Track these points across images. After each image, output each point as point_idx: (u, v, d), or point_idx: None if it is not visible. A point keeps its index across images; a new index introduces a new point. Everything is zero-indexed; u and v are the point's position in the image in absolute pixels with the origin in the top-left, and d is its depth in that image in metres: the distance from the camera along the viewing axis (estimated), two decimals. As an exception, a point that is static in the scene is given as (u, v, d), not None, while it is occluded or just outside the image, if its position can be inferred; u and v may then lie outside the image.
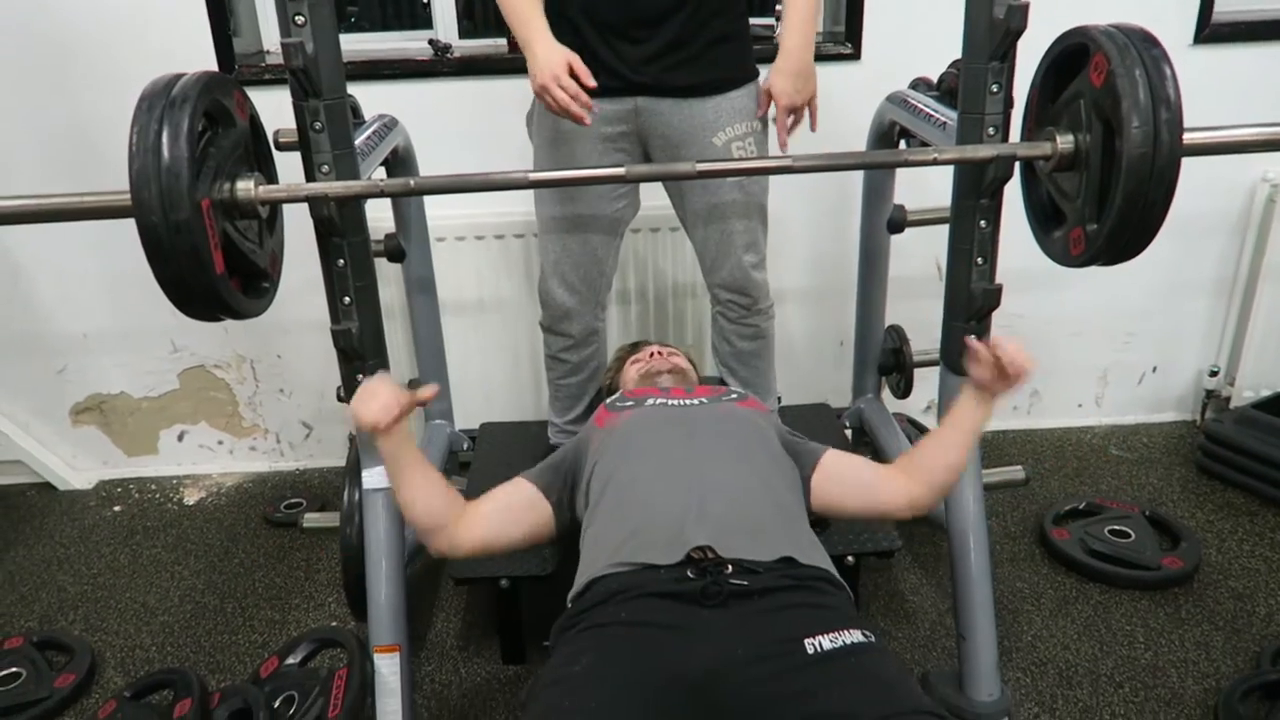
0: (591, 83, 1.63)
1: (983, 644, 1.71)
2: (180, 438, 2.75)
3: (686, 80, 1.74)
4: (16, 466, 2.70)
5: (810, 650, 1.11)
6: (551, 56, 1.63)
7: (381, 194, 1.47)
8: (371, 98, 2.03)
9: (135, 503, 2.64)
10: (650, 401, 1.59)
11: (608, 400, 1.66)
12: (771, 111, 1.86)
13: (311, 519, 2.01)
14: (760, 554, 1.25)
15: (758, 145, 1.85)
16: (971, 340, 1.50)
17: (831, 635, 1.13)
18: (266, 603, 2.18)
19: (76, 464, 2.75)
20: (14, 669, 1.94)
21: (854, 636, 1.14)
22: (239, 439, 2.76)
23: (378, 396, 1.43)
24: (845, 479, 1.53)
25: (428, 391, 1.52)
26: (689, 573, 1.21)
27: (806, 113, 1.85)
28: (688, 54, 1.73)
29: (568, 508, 1.53)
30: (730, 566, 1.22)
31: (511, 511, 1.53)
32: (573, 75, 1.62)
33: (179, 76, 1.33)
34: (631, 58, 1.73)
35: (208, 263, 1.30)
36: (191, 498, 2.65)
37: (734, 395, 1.65)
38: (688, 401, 1.59)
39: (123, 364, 2.64)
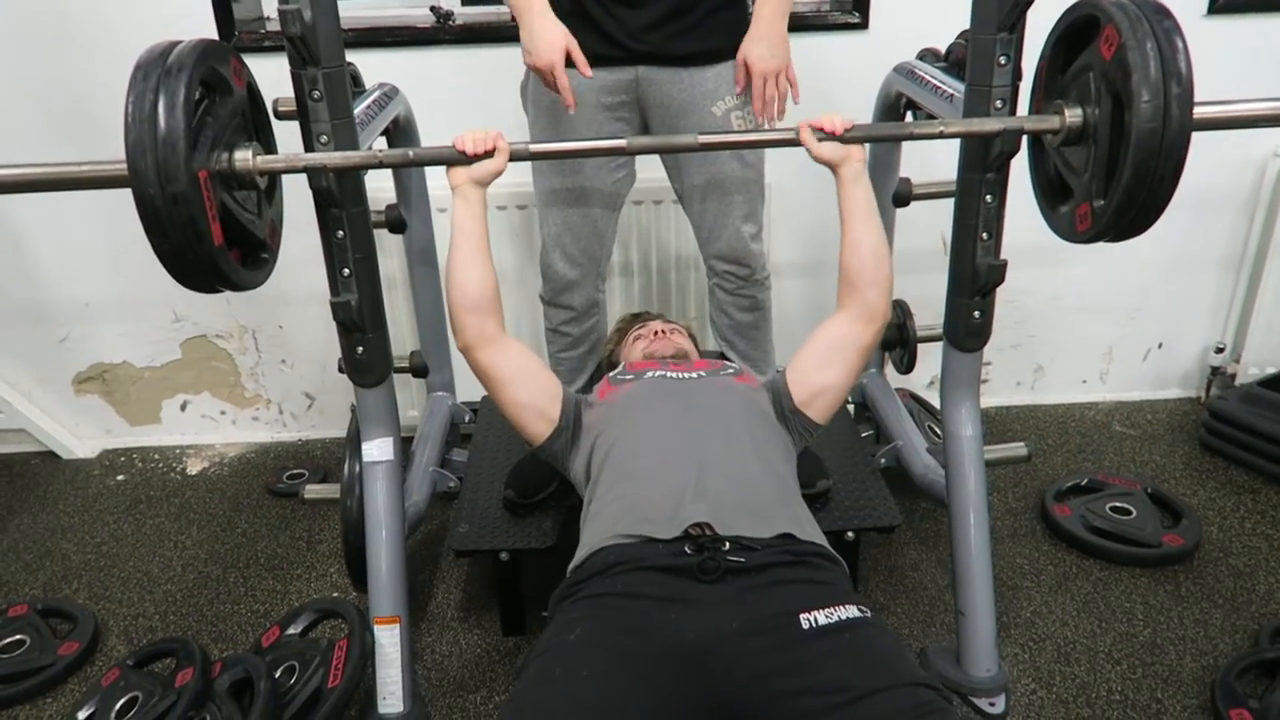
0: (588, 72, 1.62)
1: (981, 620, 1.71)
2: (183, 407, 2.75)
3: (687, 48, 1.71)
4: (20, 435, 2.71)
5: (805, 625, 1.12)
6: (550, 38, 1.62)
7: (380, 165, 1.46)
8: (372, 65, 2.00)
9: (138, 472, 2.65)
10: (650, 374, 1.59)
11: (610, 374, 1.65)
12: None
13: (313, 490, 2.02)
14: (758, 530, 1.25)
15: (744, 120, 1.81)
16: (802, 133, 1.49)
17: (827, 610, 1.13)
18: (268, 572, 2.19)
19: (80, 433, 2.76)
20: (18, 636, 1.96)
21: (849, 612, 1.14)
22: (241, 409, 2.76)
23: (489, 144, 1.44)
24: (808, 359, 1.56)
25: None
26: (686, 548, 1.22)
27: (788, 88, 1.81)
28: (689, 21, 1.70)
29: (568, 435, 1.53)
30: (728, 543, 1.22)
31: (535, 375, 1.55)
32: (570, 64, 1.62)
33: (175, 44, 1.32)
34: (632, 24, 1.70)
35: (205, 234, 1.30)
36: (194, 468, 2.66)
37: (731, 370, 1.65)
38: (687, 375, 1.59)
39: (125, 333, 2.64)
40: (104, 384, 2.71)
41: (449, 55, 2.36)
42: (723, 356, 2.04)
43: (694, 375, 1.59)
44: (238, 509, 2.45)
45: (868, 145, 1.70)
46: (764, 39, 1.72)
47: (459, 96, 2.34)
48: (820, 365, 1.54)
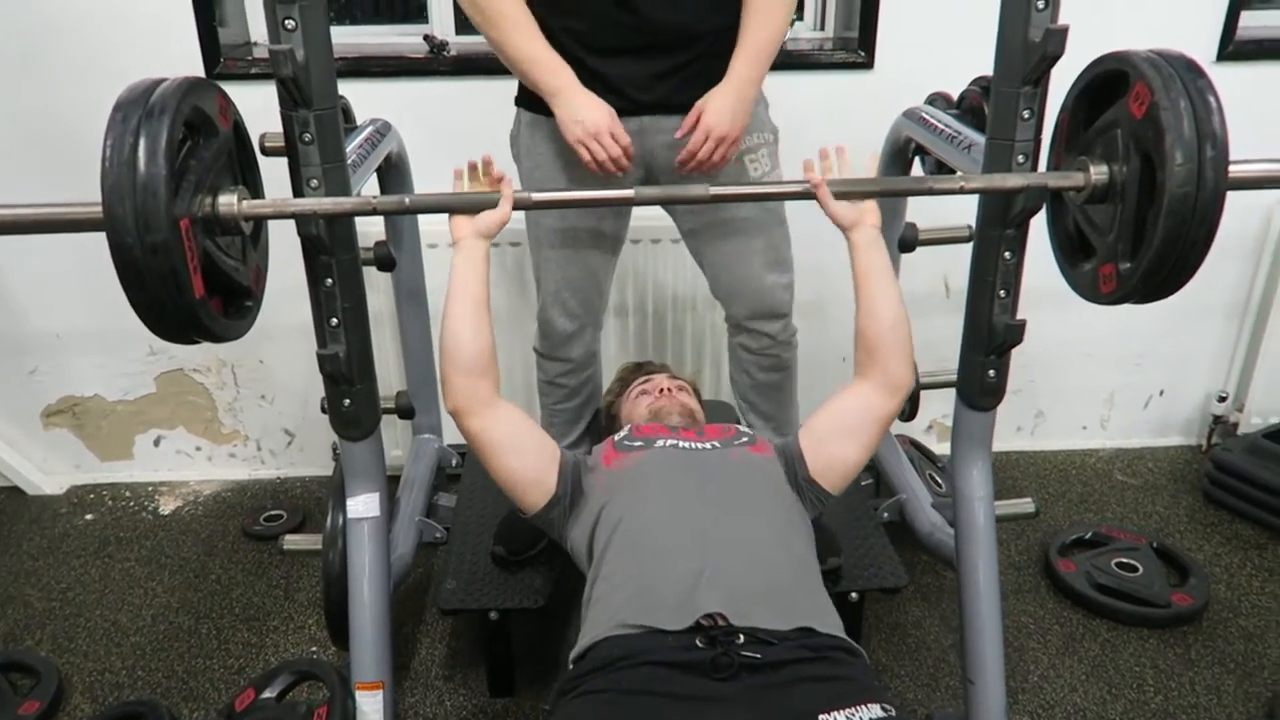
0: (625, 164, 1.56)
1: (992, 690, 1.63)
2: (156, 443, 2.65)
3: (694, 95, 1.62)
4: (-16, 470, 2.60)
5: None
6: (596, 114, 1.55)
7: (375, 212, 1.38)
8: (362, 96, 1.93)
9: (108, 510, 2.54)
10: (660, 443, 1.50)
11: (616, 438, 1.56)
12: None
13: (292, 541, 1.92)
14: (776, 623, 1.17)
15: (769, 157, 1.75)
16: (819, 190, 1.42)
17: (848, 711, 1.05)
18: (243, 624, 2.09)
19: (47, 468, 2.65)
20: (-25, 694, 1.85)
21: (872, 712, 1.06)
22: (218, 445, 2.66)
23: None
24: (824, 428, 1.48)
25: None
26: (698, 641, 1.14)
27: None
28: (696, 69, 1.62)
29: (566, 504, 1.44)
30: (742, 636, 1.14)
31: (530, 441, 1.46)
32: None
33: (158, 82, 1.24)
34: (639, 75, 1.61)
35: (186, 286, 1.21)
36: (167, 506, 2.55)
37: (745, 439, 1.55)
38: (700, 445, 1.50)
39: (97, 365, 2.54)
40: (74, 417, 2.60)
41: (443, 86, 2.29)
42: (737, 421, 1.94)
43: (708, 446, 1.50)
44: (212, 553, 2.34)
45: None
46: (731, 99, 1.59)
47: (453, 129, 2.24)
48: (837, 436, 1.46)
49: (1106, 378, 2.69)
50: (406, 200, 1.39)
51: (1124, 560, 2.16)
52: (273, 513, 2.47)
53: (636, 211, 1.89)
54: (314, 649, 2.01)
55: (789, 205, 1.85)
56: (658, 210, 1.89)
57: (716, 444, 1.50)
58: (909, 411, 2.28)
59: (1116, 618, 2.04)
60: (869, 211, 1.43)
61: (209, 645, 2.03)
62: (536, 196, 1.41)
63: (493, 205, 1.37)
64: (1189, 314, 2.59)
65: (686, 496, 1.36)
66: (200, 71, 2.19)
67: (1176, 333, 2.62)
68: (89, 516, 2.52)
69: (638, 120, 1.64)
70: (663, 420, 1.64)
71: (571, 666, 1.21)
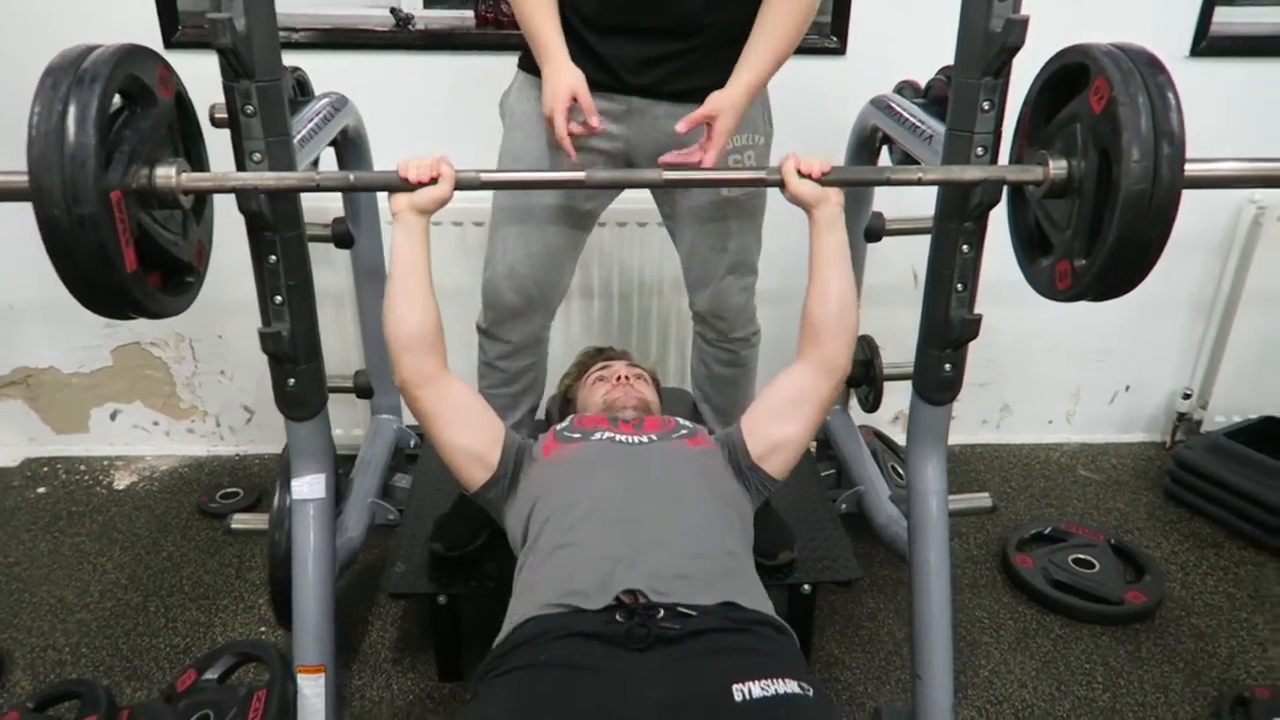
0: (595, 124, 1.47)
1: (939, 685, 1.62)
2: (113, 416, 2.61)
3: (686, 84, 1.57)
4: (-65, 440, 2.55)
5: (738, 698, 1.03)
6: (552, 85, 1.48)
7: (318, 188, 1.35)
8: (325, 69, 1.89)
9: (61, 484, 2.50)
10: (597, 435, 1.49)
11: (557, 427, 1.54)
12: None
13: (241, 520, 1.89)
14: (698, 598, 1.16)
15: (758, 159, 1.67)
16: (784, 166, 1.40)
17: (763, 683, 1.04)
18: (192, 602, 2.06)
19: (1, 439, 2.60)
20: (-88, 668, 1.82)
21: (789, 686, 1.05)
22: (176, 420, 2.62)
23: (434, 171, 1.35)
24: (765, 411, 1.47)
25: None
26: (617, 616, 1.13)
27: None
28: (691, 59, 1.56)
29: (505, 484, 1.43)
30: (661, 610, 1.13)
31: (475, 417, 1.45)
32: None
33: (92, 49, 1.20)
34: (630, 57, 1.55)
35: (116, 261, 1.18)
36: (122, 481, 2.51)
37: (684, 431, 1.53)
38: (635, 439, 1.48)
39: (52, 337, 2.49)
40: (28, 389, 2.55)
41: (408, 61, 2.25)
42: (694, 409, 1.91)
43: (643, 440, 1.47)
44: (165, 530, 2.31)
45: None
46: (740, 105, 1.52)
47: (418, 105, 2.23)
48: (778, 418, 1.45)
49: (1073, 372, 2.69)
50: (351, 177, 1.36)
51: (1081, 556, 2.16)
52: (229, 490, 2.44)
53: (624, 194, 1.84)
54: (263, 629, 1.99)
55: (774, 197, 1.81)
56: (633, 192, 1.84)
57: (653, 437, 1.49)
58: (872, 402, 2.28)
59: (1070, 614, 2.04)
60: (832, 191, 1.41)
61: (156, 624, 2.00)
62: (485, 176, 1.38)
63: (434, 184, 1.34)
64: (1156, 309, 2.59)
65: (614, 492, 1.35)
66: (157, 39, 2.13)
67: (1143, 328, 2.61)
68: (41, 490, 2.48)
69: (626, 100, 1.60)
70: (615, 412, 1.61)
71: (492, 651, 1.20)
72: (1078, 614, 2.04)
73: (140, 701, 1.67)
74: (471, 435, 1.43)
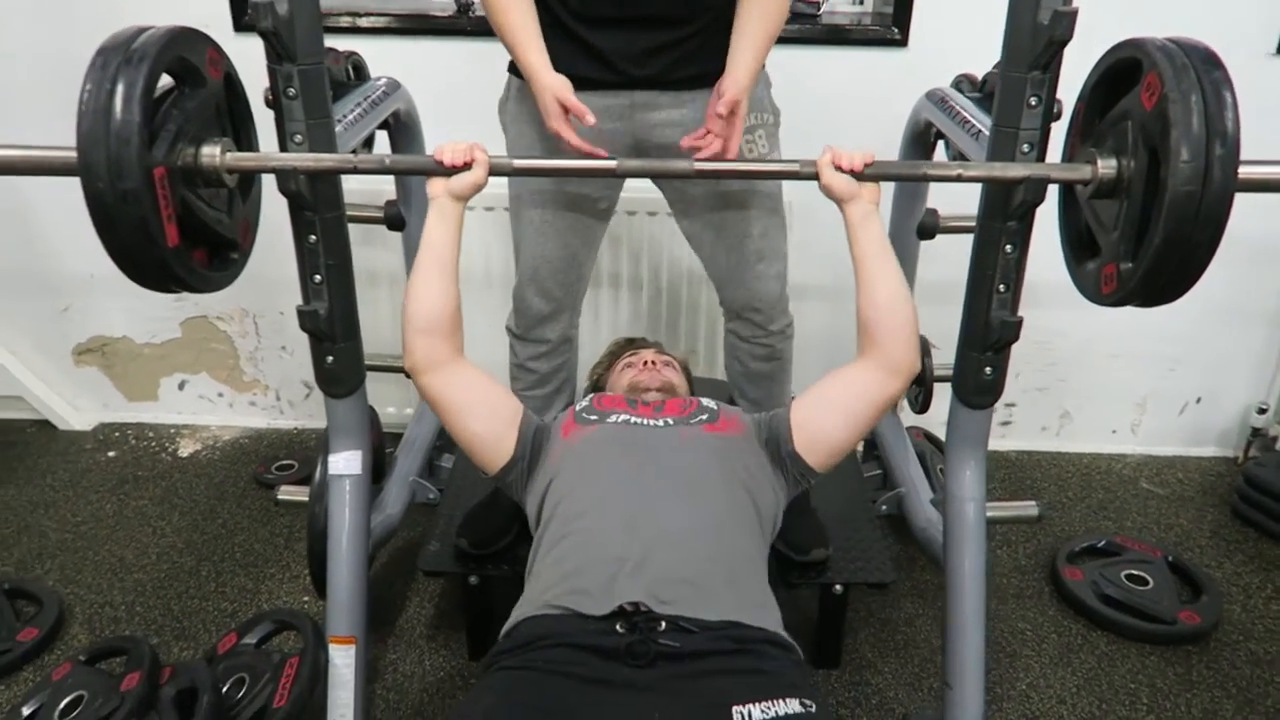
0: (589, 120, 1.47)
1: (969, 695, 1.59)
2: (181, 386, 2.71)
3: (691, 71, 1.56)
4: (18, 403, 2.69)
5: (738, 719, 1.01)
6: (545, 100, 1.48)
7: (355, 170, 1.37)
8: (386, 54, 1.94)
9: (130, 450, 2.61)
10: (613, 418, 1.48)
11: (577, 407, 1.54)
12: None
13: (286, 492, 1.94)
14: (701, 611, 1.15)
15: (768, 138, 1.66)
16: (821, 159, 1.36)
17: (765, 704, 1.02)
18: (242, 569, 2.14)
19: (78, 404, 2.73)
20: (-19, 617, 1.93)
21: (790, 707, 1.03)
22: (239, 392, 2.72)
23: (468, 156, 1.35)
24: (818, 402, 1.43)
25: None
26: (618, 626, 1.12)
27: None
28: (693, 45, 1.54)
29: (524, 466, 1.43)
30: (664, 624, 1.12)
31: (489, 403, 1.44)
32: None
33: (143, 30, 1.24)
34: (630, 49, 1.54)
35: (157, 235, 1.22)
36: (186, 449, 2.61)
37: (704, 416, 1.50)
38: (652, 422, 1.46)
39: (126, 308, 2.60)
40: (103, 357, 2.67)
41: (467, 47, 2.27)
42: (731, 400, 1.90)
43: (660, 423, 1.46)
44: (222, 497, 2.40)
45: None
46: (750, 88, 1.50)
47: (475, 89, 2.22)
48: (829, 412, 1.41)
49: (1140, 381, 2.58)
50: (387, 160, 1.39)
51: (1135, 572, 2.08)
52: (284, 462, 2.52)
53: (643, 184, 1.84)
54: (306, 599, 2.05)
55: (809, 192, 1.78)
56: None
57: (670, 421, 1.47)
58: (922, 403, 2.23)
59: (1118, 631, 1.97)
60: (866, 186, 1.37)
61: (206, 587, 2.08)
62: (518, 162, 1.39)
63: (469, 169, 1.35)
64: (1232, 318, 2.48)
65: (625, 479, 1.34)
66: (227, 22, 2.20)
67: (1218, 338, 2.50)
68: (111, 454, 2.59)
69: (629, 95, 1.58)
70: (638, 394, 1.61)
71: (500, 639, 1.21)
72: (1126, 631, 1.96)
73: (182, 661, 1.74)
74: (485, 424, 1.42)
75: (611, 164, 1.36)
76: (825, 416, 1.42)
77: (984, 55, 1.79)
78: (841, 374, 1.44)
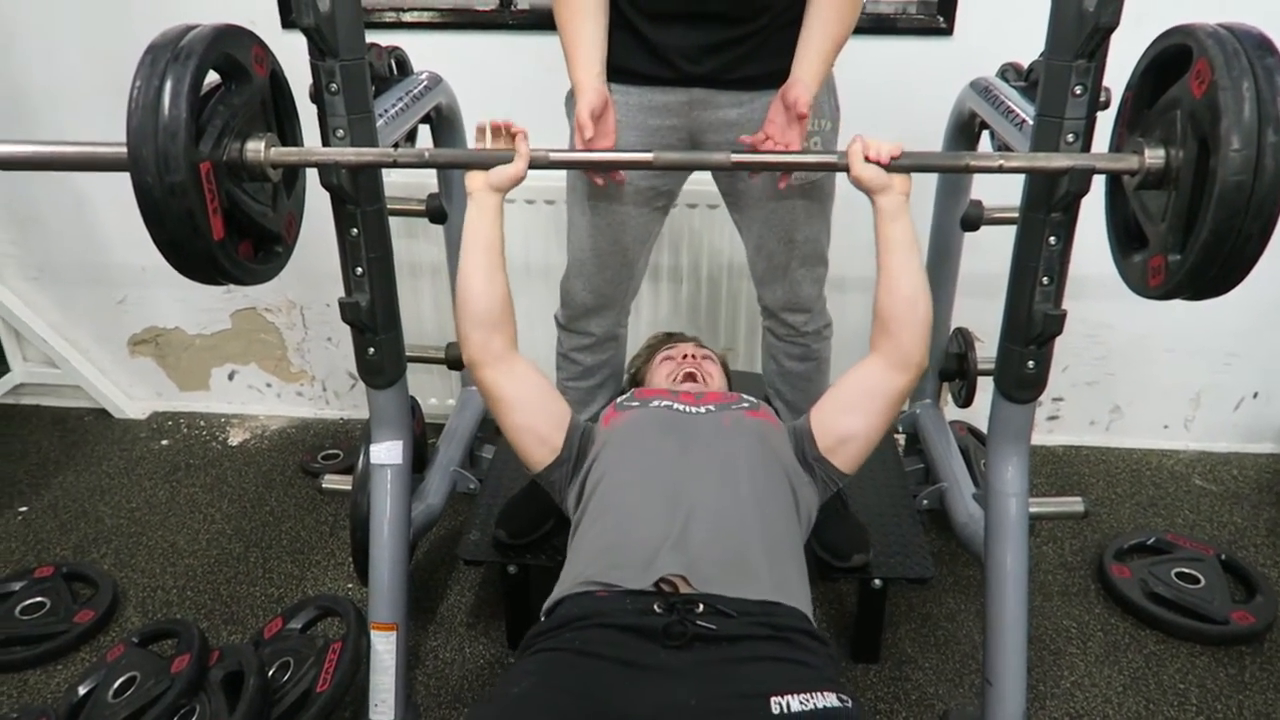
0: (588, 134, 1.47)
1: (1010, 692, 1.57)
2: (231, 376, 2.77)
3: (750, 71, 1.53)
4: (76, 391, 2.77)
5: (776, 710, 1.01)
6: (579, 100, 1.49)
7: (395, 164, 1.39)
8: (429, 49, 1.95)
9: (183, 438, 2.68)
10: (655, 403, 1.49)
11: (619, 399, 1.56)
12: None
13: (331, 481, 1.97)
14: (739, 590, 1.15)
15: (825, 145, 1.62)
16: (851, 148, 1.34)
17: (803, 696, 1.02)
18: (289, 556, 2.18)
19: (132, 393, 2.81)
20: (40, 598, 1.99)
21: (828, 700, 1.03)
22: (287, 383, 2.77)
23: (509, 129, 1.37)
24: (834, 403, 1.44)
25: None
26: (655, 606, 1.13)
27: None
28: (753, 44, 1.52)
29: (569, 467, 1.43)
30: (701, 605, 1.12)
31: (541, 398, 1.45)
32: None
33: (191, 28, 1.27)
34: (689, 45, 1.52)
35: (203, 228, 1.25)
36: (236, 438, 2.67)
37: (746, 403, 1.51)
38: (693, 409, 1.47)
39: (178, 299, 2.66)
40: (157, 347, 2.74)
41: (509, 40, 2.29)
42: (768, 399, 1.89)
43: (701, 410, 1.47)
44: (270, 486, 2.45)
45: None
46: (815, 93, 1.49)
47: (516, 83, 2.26)
48: (846, 411, 1.42)
49: (1194, 376, 2.52)
50: (426, 154, 1.39)
51: (1185, 570, 2.03)
52: (330, 452, 2.56)
53: (698, 174, 1.82)
54: (349, 586, 2.08)
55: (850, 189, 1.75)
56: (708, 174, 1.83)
57: (711, 408, 1.48)
58: (965, 397, 2.20)
59: (1167, 630, 1.93)
60: (898, 178, 1.36)
61: (254, 573, 2.13)
62: (555, 155, 1.39)
63: (509, 162, 1.36)
64: (1292, 313, 2.40)
65: (666, 459, 1.35)
66: (275, 19, 2.24)
67: (1276, 331, 2.42)
68: (165, 442, 2.66)
69: (687, 92, 1.57)
70: (679, 386, 1.62)
71: (543, 618, 1.22)
72: (1175, 631, 1.92)
73: (230, 645, 1.78)
74: (536, 417, 1.43)
75: (648, 156, 1.36)
76: (843, 417, 1.43)
77: (1030, 44, 1.75)
78: (854, 372, 1.45)
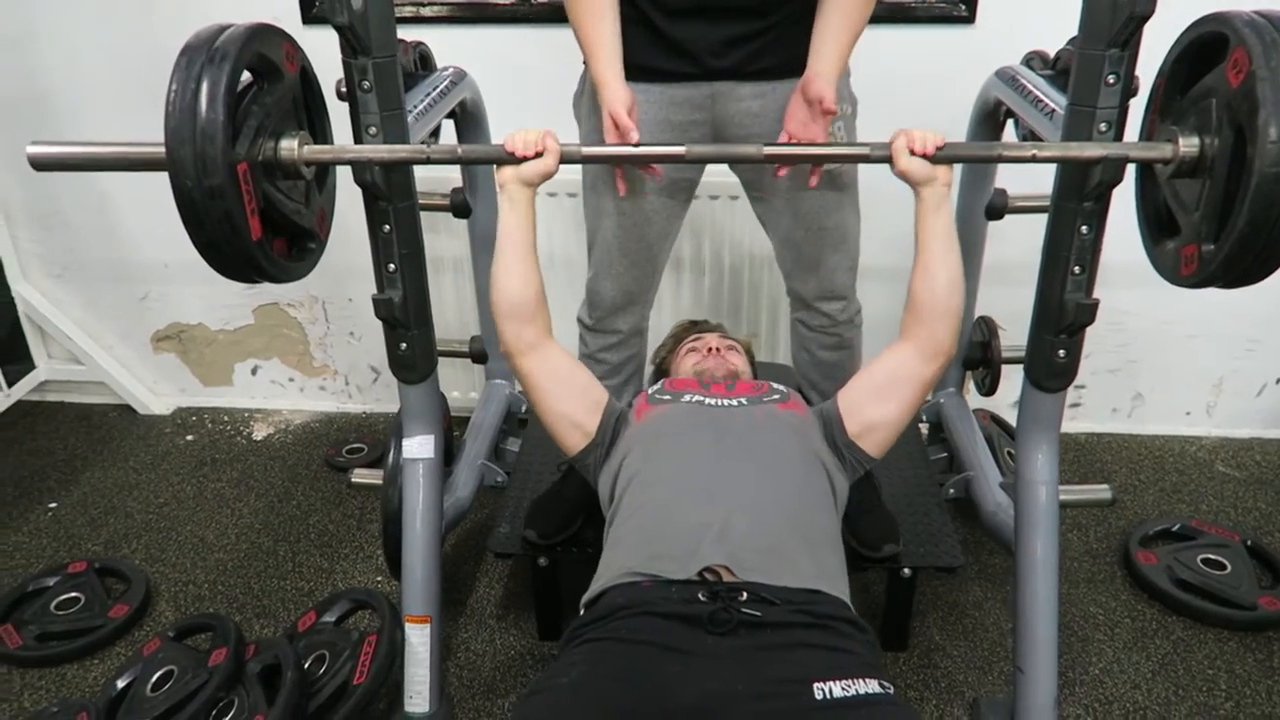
0: (633, 138, 1.48)
1: (1041, 680, 1.58)
2: (254, 371, 2.79)
3: (771, 61, 1.54)
4: (100, 388, 2.79)
5: (819, 695, 1.03)
6: (610, 99, 1.50)
7: (428, 161, 1.39)
8: (451, 43, 1.95)
9: (208, 433, 2.70)
10: (687, 398, 1.51)
11: (650, 391, 1.58)
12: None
13: (360, 475, 1.99)
14: (781, 578, 1.17)
15: (846, 130, 1.64)
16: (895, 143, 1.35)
17: (845, 683, 1.04)
18: (317, 549, 2.20)
19: (157, 389, 2.83)
20: (75, 594, 2.01)
21: (870, 687, 1.04)
22: (309, 378, 2.78)
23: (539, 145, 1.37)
24: (863, 389, 1.47)
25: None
26: (700, 594, 1.14)
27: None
28: (773, 35, 1.52)
29: (603, 451, 1.46)
30: (745, 593, 1.14)
31: (575, 384, 1.48)
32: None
33: (224, 28, 1.28)
34: (709, 40, 1.52)
35: (242, 229, 1.26)
36: (260, 433, 2.69)
37: (777, 396, 1.53)
38: (725, 402, 1.49)
39: (201, 295, 2.67)
40: (180, 343, 2.76)
41: (530, 34, 2.28)
42: (798, 387, 1.89)
43: (733, 403, 1.49)
44: (296, 480, 2.46)
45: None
46: (836, 79, 1.50)
47: (538, 76, 2.25)
48: (876, 398, 1.44)
49: (1216, 362, 2.52)
50: (459, 150, 1.40)
51: (1211, 557, 2.04)
52: (354, 445, 2.58)
53: (715, 166, 1.83)
54: (379, 579, 2.10)
55: (882, 176, 1.74)
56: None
57: (743, 400, 1.50)
58: (989, 386, 2.21)
59: (1195, 616, 1.93)
60: (941, 169, 1.37)
61: (284, 567, 2.14)
62: (586, 151, 1.40)
63: (539, 158, 1.37)
64: (1315, 298, 2.39)
65: (701, 451, 1.37)
66: (296, 15, 2.24)
67: (1300, 317, 2.42)
68: (190, 437, 2.68)
69: (710, 86, 1.57)
70: (699, 380, 1.63)
71: (583, 611, 1.23)
72: (1203, 617, 1.93)
73: (265, 638, 1.80)
74: (570, 403, 1.46)
75: (680, 150, 1.36)
76: (872, 403, 1.45)
77: (1053, 31, 1.76)
78: (883, 359, 1.47)
